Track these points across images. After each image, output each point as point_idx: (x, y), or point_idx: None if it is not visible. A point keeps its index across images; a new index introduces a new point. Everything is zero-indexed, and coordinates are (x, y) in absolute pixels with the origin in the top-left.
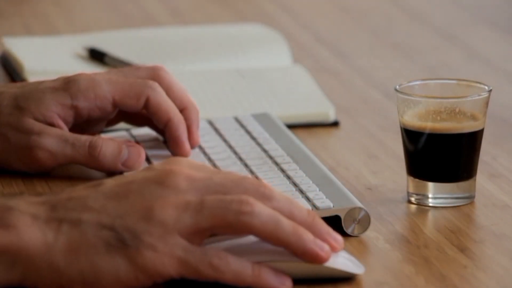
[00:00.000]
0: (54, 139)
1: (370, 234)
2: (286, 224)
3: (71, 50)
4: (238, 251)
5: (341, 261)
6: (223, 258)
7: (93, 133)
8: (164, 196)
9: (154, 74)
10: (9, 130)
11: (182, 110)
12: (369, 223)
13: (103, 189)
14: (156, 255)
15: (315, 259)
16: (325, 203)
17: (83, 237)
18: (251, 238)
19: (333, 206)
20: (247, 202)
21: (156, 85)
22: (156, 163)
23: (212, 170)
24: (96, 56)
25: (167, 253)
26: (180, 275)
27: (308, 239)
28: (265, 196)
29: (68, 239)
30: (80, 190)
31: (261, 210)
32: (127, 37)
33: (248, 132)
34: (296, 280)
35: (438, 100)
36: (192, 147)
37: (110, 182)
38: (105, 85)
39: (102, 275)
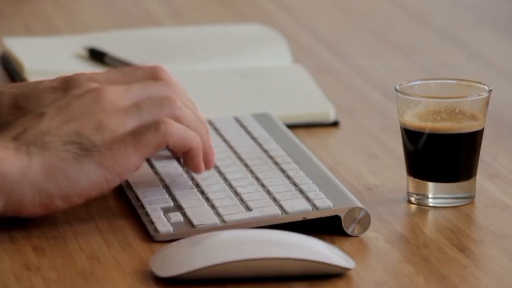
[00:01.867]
0: None
1: (370, 234)
2: (201, 118)
3: (71, 50)
4: (236, 246)
5: (333, 257)
6: (167, 121)
7: None
8: (105, 108)
9: (154, 74)
10: None
11: None
12: (369, 223)
13: (49, 117)
14: (115, 153)
15: (209, 156)
16: (325, 203)
17: (53, 154)
18: (249, 233)
19: (333, 206)
20: (175, 99)
21: None
22: (71, 91)
23: (126, 81)
24: (96, 56)
25: (122, 147)
26: (143, 157)
27: (209, 139)
28: (178, 92)
29: (41, 159)
30: (27, 122)
31: (185, 108)
32: (127, 37)
33: (248, 132)
34: (295, 278)
35: (438, 100)
36: None
37: (50, 112)
38: None
39: (76, 183)
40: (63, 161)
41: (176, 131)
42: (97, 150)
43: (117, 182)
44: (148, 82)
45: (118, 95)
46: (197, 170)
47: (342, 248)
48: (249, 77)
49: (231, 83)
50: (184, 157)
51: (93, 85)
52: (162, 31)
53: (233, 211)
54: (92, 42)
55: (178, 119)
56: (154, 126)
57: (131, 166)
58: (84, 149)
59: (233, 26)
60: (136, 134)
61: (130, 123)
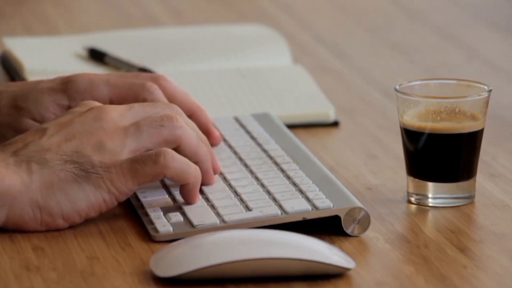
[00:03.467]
0: None
1: (370, 234)
2: (202, 138)
3: (71, 50)
4: (236, 246)
5: (333, 257)
6: (167, 154)
7: None
8: (106, 128)
9: (155, 82)
10: (8, 131)
11: (190, 116)
12: (369, 223)
13: (50, 133)
14: (113, 176)
15: (210, 175)
16: (325, 203)
17: (53, 172)
18: (249, 233)
19: (333, 206)
20: (176, 118)
21: (154, 87)
22: (73, 109)
23: (128, 104)
24: (96, 56)
25: (120, 172)
26: (137, 184)
27: (210, 158)
28: (178, 112)
29: (41, 177)
30: (28, 137)
31: (186, 126)
32: (127, 37)
33: (248, 132)
34: (295, 278)
35: (438, 100)
36: (217, 143)
37: (51, 128)
38: (103, 88)
39: (75, 203)
40: (63, 181)
41: (175, 165)
42: (96, 172)
43: (114, 203)
44: (150, 103)
45: (120, 115)
46: (190, 203)
47: (342, 248)
48: (249, 77)
49: (231, 83)
50: (181, 188)
51: (96, 103)
52: (162, 31)
53: (233, 211)
54: (92, 42)
55: (178, 138)
56: (154, 157)
57: (127, 190)
58: (83, 169)
59: (233, 26)
60: (134, 162)
61: (130, 144)
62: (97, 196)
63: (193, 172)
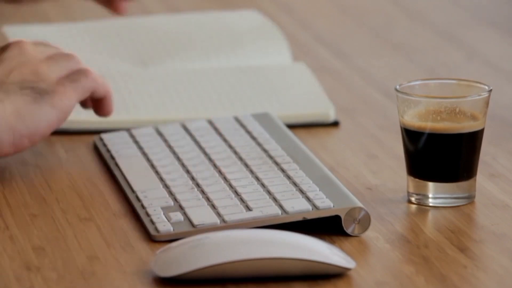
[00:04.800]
0: None
1: (370, 234)
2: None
3: (69, 38)
4: (236, 246)
5: (333, 257)
6: (89, 69)
7: None
8: (34, 57)
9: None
10: None
11: None
12: (369, 223)
13: None
14: (61, 95)
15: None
16: (325, 203)
17: (18, 97)
18: (249, 233)
19: (333, 206)
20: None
21: None
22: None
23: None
24: None
25: (63, 90)
26: (78, 100)
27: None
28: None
29: (11, 103)
30: None
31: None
32: (128, 37)
33: (248, 132)
34: (295, 278)
35: (438, 100)
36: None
37: None
38: None
39: (39, 123)
40: (28, 104)
41: (98, 78)
42: (47, 93)
43: (63, 122)
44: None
45: (39, 49)
46: (108, 114)
47: (342, 248)
48: (249, 75)
49: (232, 82)
50: (100, 103)
51: (18, 41)
52: (162, 28)
53: (233, 211)
54: (90, 31)
55: (87, 69)
56: (84, 73)
57: (71, 106)
58: (38, 92)
59: (226, 14)
60: (72, 80)
61: (59, 69)
62: (53, 115)
63: (108, 83)
